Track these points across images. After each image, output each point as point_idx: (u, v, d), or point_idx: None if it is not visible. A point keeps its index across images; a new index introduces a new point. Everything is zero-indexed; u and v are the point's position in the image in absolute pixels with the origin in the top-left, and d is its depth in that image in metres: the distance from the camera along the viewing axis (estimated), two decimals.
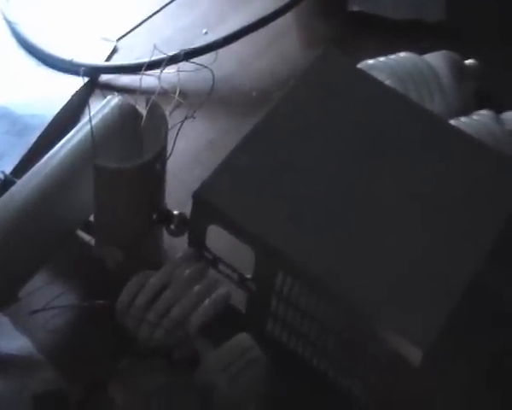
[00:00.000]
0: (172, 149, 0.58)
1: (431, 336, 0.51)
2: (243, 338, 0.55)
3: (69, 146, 0.60)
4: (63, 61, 0.73)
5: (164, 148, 0.57)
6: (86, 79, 0.71)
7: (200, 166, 0.66)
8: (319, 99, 0.62)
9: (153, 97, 0.58)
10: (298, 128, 0.60)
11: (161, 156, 0.57)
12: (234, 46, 0.75)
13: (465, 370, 0.58)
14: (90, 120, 0.58)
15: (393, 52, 0.73)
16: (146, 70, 0.65)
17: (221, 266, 0.59)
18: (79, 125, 0.61)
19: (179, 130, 0.58)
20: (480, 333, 0.57)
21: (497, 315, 0.58)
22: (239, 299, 0.59)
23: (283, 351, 0.58)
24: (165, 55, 0.65)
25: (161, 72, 0.61)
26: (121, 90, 0.72)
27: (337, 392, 0.57)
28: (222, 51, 0.74)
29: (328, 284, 0.54)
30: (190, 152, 0.70)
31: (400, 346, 0.52)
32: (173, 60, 0.68)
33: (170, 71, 0.67)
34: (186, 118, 0.57)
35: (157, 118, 0.58)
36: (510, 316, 0.59)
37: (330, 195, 0.57)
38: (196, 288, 0.56)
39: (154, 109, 0.58)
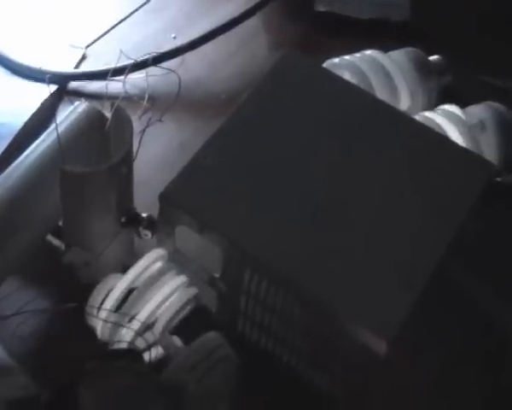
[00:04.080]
0: (137, 151, 0.59)
1: (394, 325, 0.52)
2: (212, 337, 0.55)
3: (37, 152, 0.60)
4: (31, 69, 0.73)
5: (129, 151, 0.58)
6: (54, 87, 0.72)
7: (170, 169, 0.66)
8: (283, 98, 0.62)
9: (117, 102, 0.59)
10: (262, 127, 0.61)
11: (127, 159, 0.58)
12: (203, 49, 0.76)
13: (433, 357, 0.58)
14: (56, 127, 0.59)
15: (360, 50, 0.74)
16: (115, 76, 0.66)
17: (191, 266, 0.59)
18: (47, 132, 0.61)
19: (143, 134, 0.58)
20: (443, 321, 0.58)
21: (459, 304, 0.59)
22: (210, 298, 0.60)
23: (254, 349, 0.58)
24: (131, 61, 0.66)
25: (125, 77, 0.62)
26: (90, 96, 0.72)
27: (308, 387, 0.58)
28: (191, 54, 0.75)
29: (293, 280, 0.54)
30: (160, 155, 0.70)
31: (364, 337, 0.52)
32: (141, 65, 0.69)
33: (139, 76, 0.67)
34: (148, 125, 0.58)
35: (122, 122, 0.59)
36: (472, 305, 0.60)
37: (295, 192, 0.58)
38: (164, 289, 0.57)
39: (119, 113, 0.59)
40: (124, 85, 0.61)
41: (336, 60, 0.70)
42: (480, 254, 0.63)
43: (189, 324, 0.59)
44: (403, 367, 0.56)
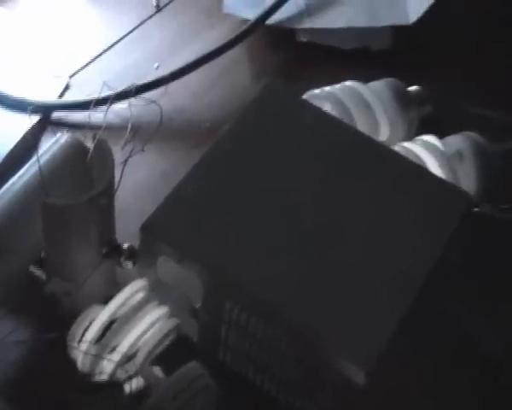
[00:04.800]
0: (119, 182, 0.59)
1: (373, 355, 0.53)
2: (193, 367, 0.55)
3: (21, 182, 0.61)
4: (15, 99, 0.74)
5: (109, 183, 0.58)
6: (36, 117, 0.72)
7: (152, 198, 0.67)
8: (265, 129, 0.63)
9: (99, 133, 0.59)
10: (243, 158, 0.62)
11: (107, 191, 0.58)
12: (186, 78, 0.76)
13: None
14: (38, 159, 0.59)
15: (342, 79, 0.74)
16: (98, 106, 0.66)
17: (172, 296, 0.60)
18: (29, 163, 0.62)
19: (125, 165, 0.59)
20: (426, 348, 0.59)
21: (442, 330, 0.60)
22: (192, 328, 0.60)
23: (236, 377, 0.59)
24: (113, 92, 0.67)
25: (108, 108, 0.62)
26: (73, 126, 0.73)
27: None
28: (174, 84, 0.76)
29: (275, 310, 0.55)
30: (142, 184, 0.71)
31: (344, 368, 0.53)
32: (124, 95, 0.70)
33: (122, 106, 0.68)
34: (130, 155, 0.58)
35: (104, 153, 0.59)
36: (455, 330, 0.61)
37: (277, 222, 0.59)
38: (146, 319, 0.57)
39: (101, 145, 0.59)
40: (105, 116, 0.61)
41: (317, 91, 0.71)
42: (461, 280, 0.63)
43: (171, 354, 0.59)
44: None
